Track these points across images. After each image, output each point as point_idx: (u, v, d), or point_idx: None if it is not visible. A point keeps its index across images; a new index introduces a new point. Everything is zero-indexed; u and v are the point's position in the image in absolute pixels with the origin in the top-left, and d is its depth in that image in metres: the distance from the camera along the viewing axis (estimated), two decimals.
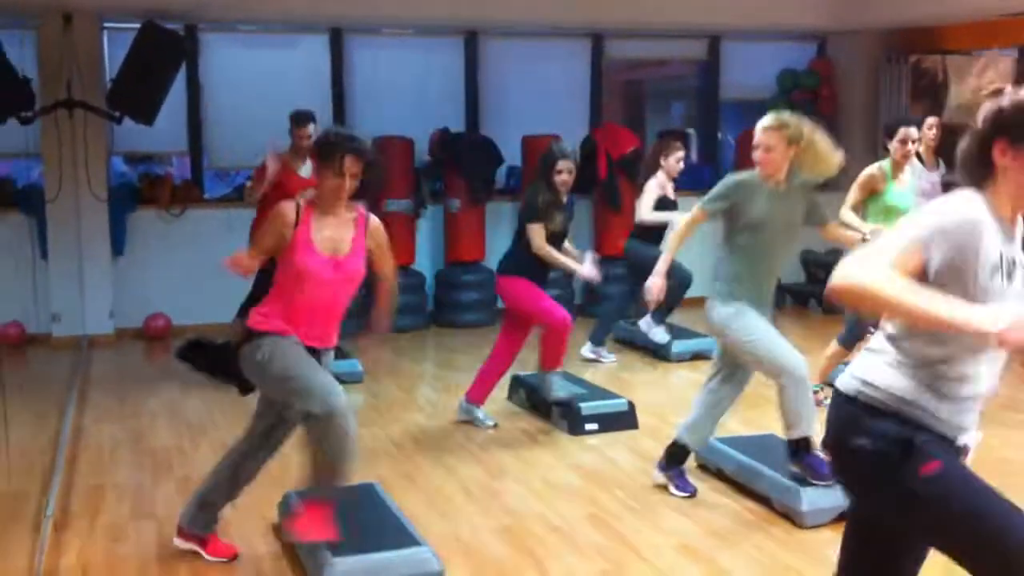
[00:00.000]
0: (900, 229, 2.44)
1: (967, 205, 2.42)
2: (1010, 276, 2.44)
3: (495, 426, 6.09)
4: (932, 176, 7.31)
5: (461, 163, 8.93)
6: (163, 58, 7.86)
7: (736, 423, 6.13)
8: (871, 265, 2.32)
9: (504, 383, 6.76)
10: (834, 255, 9.83)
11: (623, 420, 6.00)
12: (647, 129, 10.77)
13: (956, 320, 2.23)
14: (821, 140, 4.60)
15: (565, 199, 5.94)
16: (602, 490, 5.04)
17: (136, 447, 5.80)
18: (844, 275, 2.33)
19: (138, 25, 7.86)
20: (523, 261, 5.91)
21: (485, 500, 4.93)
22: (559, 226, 5.90)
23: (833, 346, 6.36)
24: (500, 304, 9.18)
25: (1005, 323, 2.18)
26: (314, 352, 4.07)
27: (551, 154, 5.88)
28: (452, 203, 9.08)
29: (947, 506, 2.44)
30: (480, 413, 6.15)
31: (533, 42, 9.84)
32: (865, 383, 2.54)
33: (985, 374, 2.52)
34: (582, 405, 5.98)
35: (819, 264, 9.89)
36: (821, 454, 4.55)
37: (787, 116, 4.64)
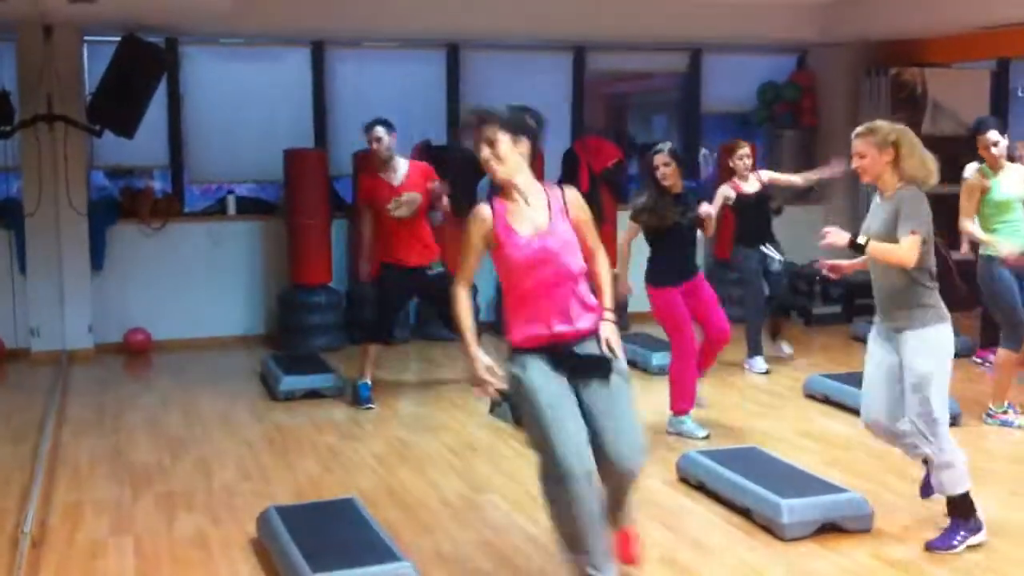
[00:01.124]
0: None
1: None
2: None
3: (707, 437, 6.03)
4: None
5: (444, 175, 8.91)
6: (144, 71, 7.84)
7: (718, 436, 6.14)
8: None
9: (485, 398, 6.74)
10: (815, 268, 9.88)
11: None
12: (628, 141, 10.79)
13: None
14: (918, 146, 4.41)
15: (678, 193, 6.06)
16: None
17: (115, 462, 5.75)
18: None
19: (118, 38, 7.84)
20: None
21: (467, 514, 4.91)
22: (669, 223, 5.99)
23: (1002, 355, 6.21)
24: (482, 317, 9.23)
25: None
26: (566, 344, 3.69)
27: (649, 153, 6.12)
28: (434, 215, 9.06)
29: None
30: (688, 424, 6.16)
31: (515, 55, 9.85)
32: None
33: None
34: None
35: (800, 276, 9.91)
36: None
37: (879, 123, 4.45)
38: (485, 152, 3.71)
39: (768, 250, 7.72)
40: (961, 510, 4.42)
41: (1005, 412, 6.22)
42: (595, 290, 3.88)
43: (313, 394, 7.00)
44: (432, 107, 9.57)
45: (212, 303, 8.92)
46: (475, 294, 9.16)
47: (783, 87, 10.41)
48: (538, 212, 3.74)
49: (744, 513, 4.75)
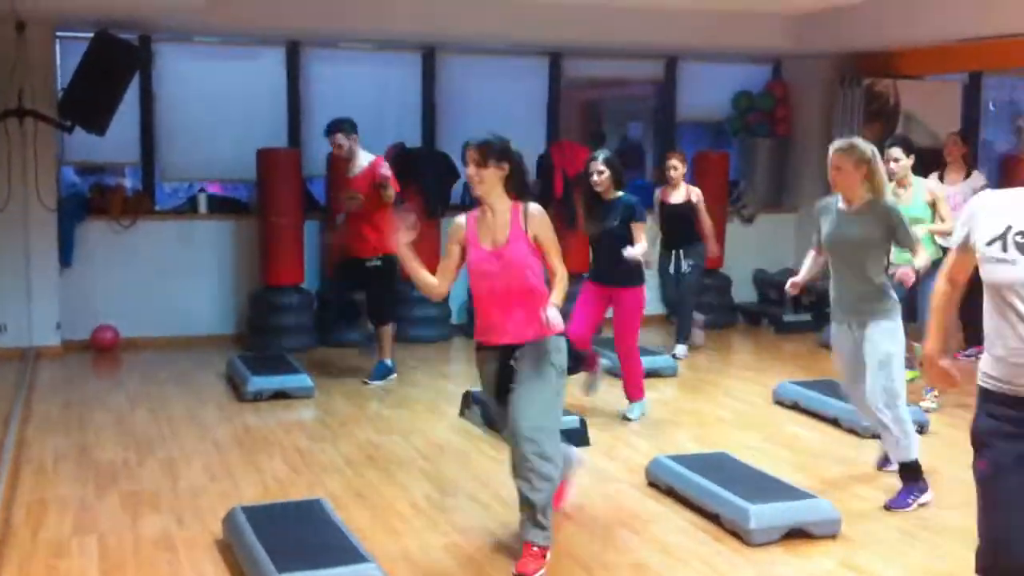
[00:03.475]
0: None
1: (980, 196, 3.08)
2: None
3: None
4: (957, 188, 7.81)
5: (417, 178, 8.90)
6: (116, 68, 7.79)
7: (687, 440, 6.16)
8: (938, 284, 3.22)
9: (457, 398, 6.74)
10: (785, 275, 9.93)
11: (575, 438, 5.96)
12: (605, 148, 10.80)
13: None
14: (881, 167, 4.97)
15: (608, 201, 6.31)
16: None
17: (81, 460, 5.69)
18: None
19: (91, 35, 7.77)
20: None
21: (435, 516, 4.89)
22: (592, 232, 6.41)
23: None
24: (454, 319, 9.22)
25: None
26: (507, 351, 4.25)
27: (587, 161, 6.45)
28: (408, 218, 9.04)
29: (977, 497, 2.99)
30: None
31: (491, 59, 9.85)
32: (979, 369, 3.05)
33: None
34: None
35: (771, 284, 9.97)
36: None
37: (857, 141, 4.97)
38: (471, 170, 4.27)
39: (680, 258, 8.22)
40: (913, 474, 5.02)
41: (924, 397, 6.69)
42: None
43: (281, 395, 6.96)
44: (407, 109, 9.55)
45: (182, 302, 8.85)
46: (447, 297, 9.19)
47: (757, 96, 10.46)
48: (501, 229, 4.28)
49: (713, 518, 4.76)
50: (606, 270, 6.35)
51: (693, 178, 9.95)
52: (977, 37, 8.39)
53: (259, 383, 6.96)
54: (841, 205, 4.97)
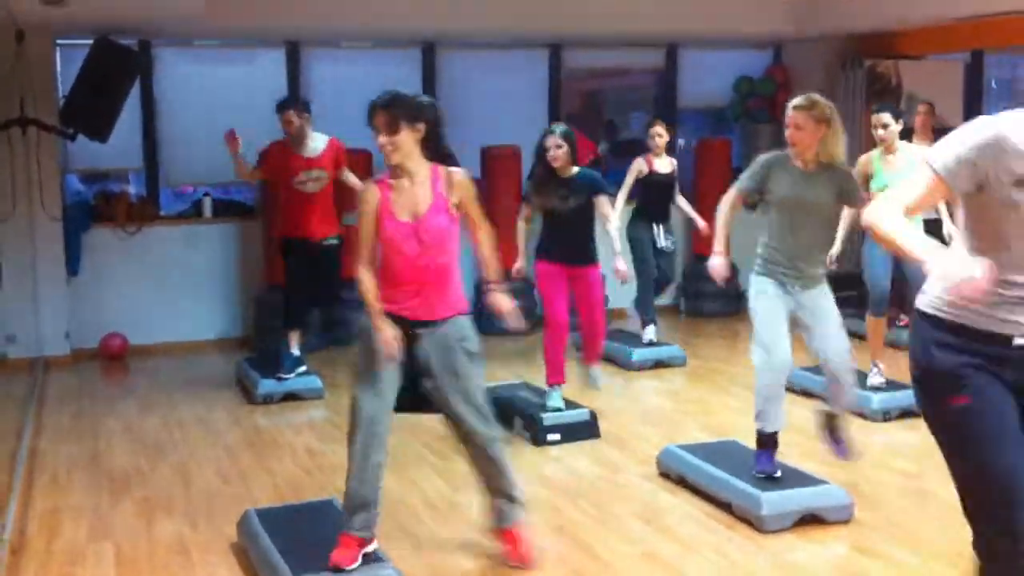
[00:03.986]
0: (922, 164, 2.68)
1: (979, 129, 2.62)
2: None
3: (558, 409, 6.14)
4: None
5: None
6: (117, 74, 7.79)
7: (697, 429, 6.16)
8: (882, 207, 2.70)
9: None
10: None
11: (585, 430, 5.99)
12: (606, 138, 10.79)
13: (913, 254, 2.57)
14: (841, 127, 4.79)
15: (566, 177, 6.07)
16: (565, 500, 5.02)
17: (93, 468, 5.71)
18: (868, 216, 2.73)
19: (91, 41, 7.78)
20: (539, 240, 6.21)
21: (448, 513, 4.91)
22: (548, 207, 6.09)
23: (870, 321, 6.65)
24: None
25: (935, 260, 2.52)
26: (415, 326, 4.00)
27: (542, 135, 6.13)
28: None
29: (954, 443, 2.75)
30: (552, 398, 6.20)
31: (491, 53, 9.84)
32: (927, 291, 2.80)
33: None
34: (544, 415, 5.97)
35: None
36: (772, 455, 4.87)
37: (817, 97, 4.78)
38: (382, 138, 3.87)
39: (658, 232, 7.88)
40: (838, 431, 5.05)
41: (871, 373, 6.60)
42: (480, 261, 4.26)
43: (292, 397, 6.97)
44: None
45: (189, 306, 8.87)
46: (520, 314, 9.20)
47: (758, 82, 10.43)
48: (421, 198, 3.95)
49: (725, 507, 4.76)
50: (566, 248, 6.10)
51: (695, 165, 9.95)
52: (978, 15, 8.36)
53: (269, 386, 6.97)
54: (797, 163, 4.79)
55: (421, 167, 3.96)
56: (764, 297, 4.81)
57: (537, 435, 5.91)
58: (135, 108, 8.64)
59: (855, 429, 6.05)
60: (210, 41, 9.16)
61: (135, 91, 8.25)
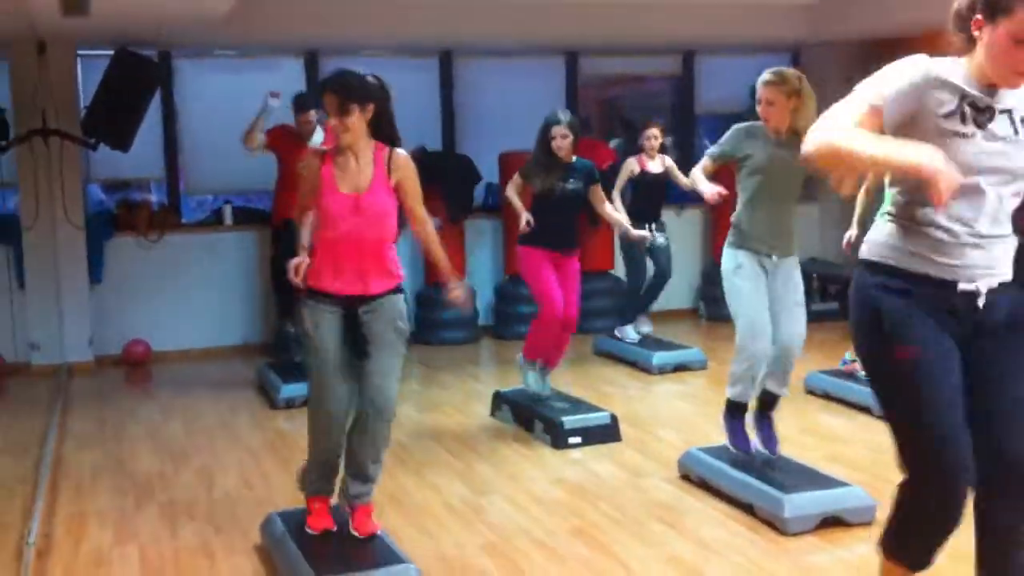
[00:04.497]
0: (854, 95, 2.77)
1: (911, 64, 2.76)
2: (977, 122, 2.68)
3: (540, 398, 6.28)
4: None
5: (439, 182, 8.94)
6: (137, 84, 7.86)
7: (718, 432, 6.14)
8: (832, 126, 2.69)
9: (487, 398, 6.77)
10: (809, 264, 9.89)
11: (606, 433, 6.00)
12: (624, 122, 10.81)
13: (898, 158, 2.55)
14: (812, 96, 4.87)
15: (568, 163, 6.19)
16: (587, 503, 5.03)
17: (117, 473, 5.76)
18: (812, 140, 2.69)
19: (112, 52, 7.85)
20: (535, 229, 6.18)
21: (469, 517, 4.92)
22: (547, 186, 6.16)
23: None
24: (481, 321, 9.25)
25: (931, 162, 2.49)
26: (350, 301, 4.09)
27: (545, 121, 6.25)
28: (432, 222, 9.08)
29: (894, 394, 2.79)
30: (530, 375, 6.37)
31: (508, 60, 9.88)
32: (869, 240, 2.84)
33: (976, 217, 2.69)
34: (565, 419, 5.98)
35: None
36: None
37: (785, 69, 4.94)
38: (334, 121, 3.96)
39: (652, 231, 7.91)
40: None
41: (855, 361, 6.62)
42: (428, 258, 4.42)
43: None
44: (426, 114, 9.58)
45: (211, 313, 8.93)
46: (474, 296, 9.21)
47: None
48: (363, 175, 4.03)
49: (747, 509, 4.76)
50: (556, 233, 6.16)
51: (716, 171, 9.93)
52: None
53: (291, 390, 7.01)
54: (771, 134, 4.92)
55: (367, 147, 4.05)
56: (743, 272, 4.93)
57: (558, 438, 5.92)
58: (156, 118, 8.72)
59: (878, 432, 6.05)
60: (229, 51, 9.23)
61: (155, 101, 8.32)
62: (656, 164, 8.08)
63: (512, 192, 6.38)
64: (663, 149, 8.27)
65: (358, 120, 3.97)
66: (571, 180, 6.19)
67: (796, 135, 4.78)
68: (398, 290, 4.19)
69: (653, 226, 8.00)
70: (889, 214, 2.80)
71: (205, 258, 8.96)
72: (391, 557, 4.08)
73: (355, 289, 4.09)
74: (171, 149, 9.07)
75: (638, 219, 7.80)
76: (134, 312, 8.71)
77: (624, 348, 8.08)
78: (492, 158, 9.29)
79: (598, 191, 6.31)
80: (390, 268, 4.16)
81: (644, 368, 7.77)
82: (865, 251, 2.83)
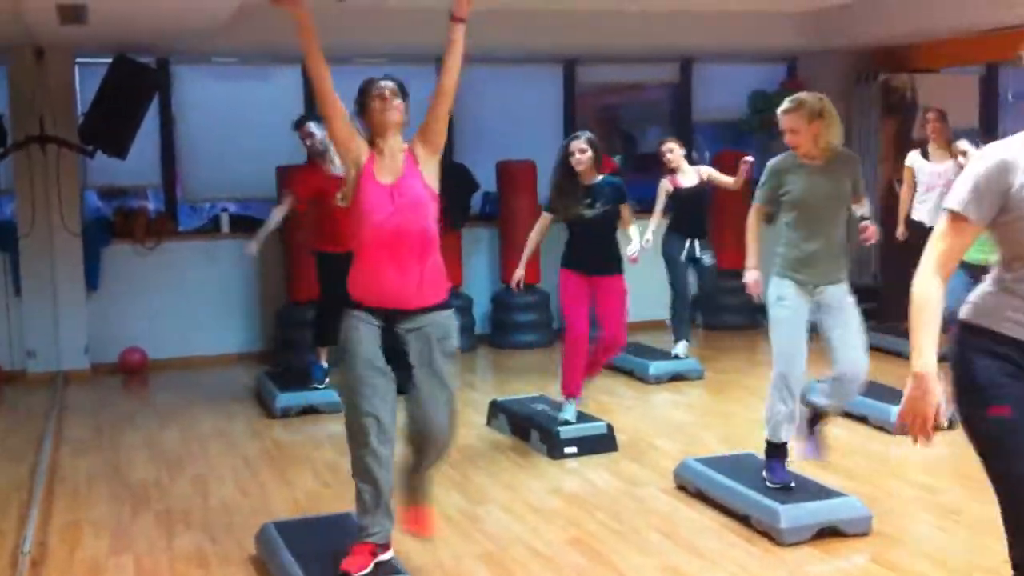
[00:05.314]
0: (942, 216, 2.75)
1: (990, 152, 2.73)
2: None
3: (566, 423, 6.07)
4: (937, 167, 7.78)
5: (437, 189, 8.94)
6: (135, 91, 7.87)
7: (715, 442, 6.15)
8: (920, 279, 2.74)
9: (483, 407, 6.76)
10: None
11: (602, 443, 5.99)
12: (623, 151, 10.81)
13: (913, 357, 2.71)
14: (835, 113, 4.77)
15: (590, 184, 6.07)
16: (584, 513, 5.02)
17: (113, 481, 5.74)
18: (913, 286, 2.74)
19: (110, 59, 7.85)
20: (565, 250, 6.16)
21: (466, 526, 4.91)
22: (572, 215, 6.07)
23: None
24: (477, 329, 9.23)
25: (910, 401, 2.69)
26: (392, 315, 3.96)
27: (564, 141, 6.17)
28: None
29: (991, 453, 2.75)
30: (567, 410, 6.16)
31: (506, 68, 9.88)
32: (971, 303, 2.84)
33: None
34: (561, 429, 5.97)
35: None
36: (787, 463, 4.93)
37: (803, 95, 4.80)
38: (397, 101, 4.08)
39: (693, 246, 7.86)
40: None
41: None
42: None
43: (310, 410, 7.00)
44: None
45: (208, 321, 8.92)
46: (471, 305, 9.19)
47: (774, 95, 10.41)
48: (396, 163, 4.00)
49: (743, 519, 4.76)
50: (590, 257, 6.07)
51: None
52: (993, 28, 8.36)
53: (288, 399, 7.00)
54: (804, 161, 4.80)
55: (400, 140, 4.07)
56: (784, 305, 4.80)
57: (554, 448, 5.91)
58: (153, 125, 8.71)
59: (875, 442, 6.06)
60: (227, 58, 9.23)
61: (153, 108, 8.32)
62: (689, 178, 7.84)
63: (533, 235, 6.25)
64: (691, 159, 8.09)
65: (405, 110, 4.05)
66: (597, 204, 6.02)
67: (829, 156, 4.75)
68: (445, 305, 4.01)
69: (696, 243, 7.88)
70: (993, 284, 2.83)
71: (202, 266, 8.95)
72: (389, 568, 4.07)
73: (395, 300, 3.91)
74: (168, 156, 9.06)
75: (679, 235, 7.89)
76: (131, 320, 8.70)
77: (621, 358, 8.06)
78: (490, 166, 9.30)
79: (625, 210, 6.12)
80: (435, 275, 3.97)
81: (641, 378, 7.77)
82: (967, 312, 2.84)
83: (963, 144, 6.41)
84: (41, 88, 8.03)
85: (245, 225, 9.30)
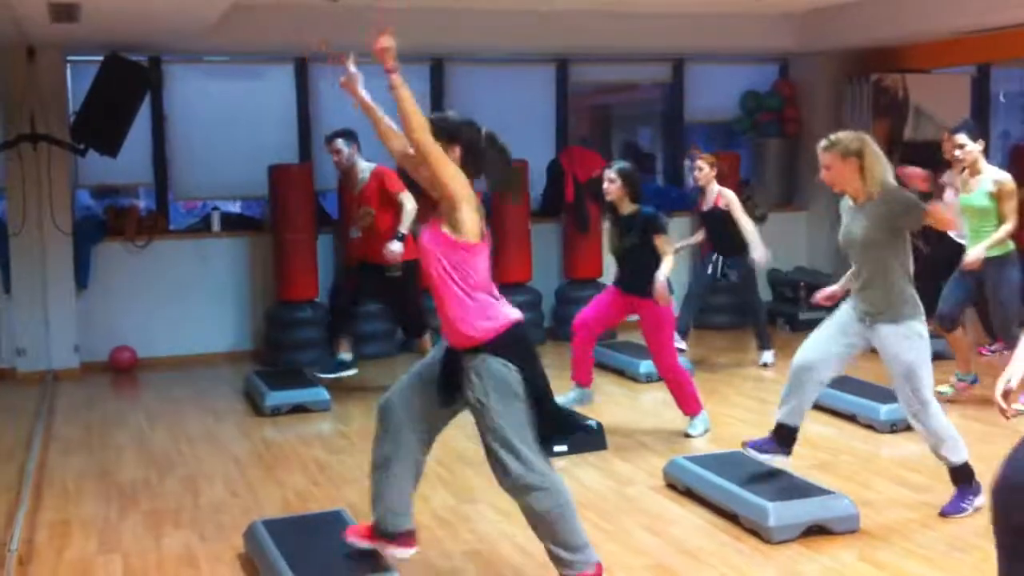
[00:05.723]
0: None
1: None
2: None
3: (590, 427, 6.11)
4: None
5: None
6: (127, 90, 7.86)
7: (702, 440, 6.16)
8: None
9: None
10: (798, 273, 9.92)
11: (592, 441, 6.00)
12: (614, 152, 10.84)
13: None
14: (880, 152, 4.69)
15: (623, 214, 6.21)
16: None
17: (102, 481, 5.73)
18: None
19: (101, 58, 7.84)
20: None
21: (455, 524, 4.91)
22: (613, 246, 6.34)
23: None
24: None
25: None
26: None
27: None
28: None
29: None
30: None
31: (499, 68, 9.89)
32: None
33: None
34: None
35: (785, 282, 9.96)
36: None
37: (841, 134, 4.73)
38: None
39: (717, 262, 7.93)
40: (963, 477, 4.78)
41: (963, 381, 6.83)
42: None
43: (300, 409, 7.00)
44: None
45: (198, 320, 8.91)
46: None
47: (765, 96, 10.45)
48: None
49: (732, 518, 4.76)
50: (631, 281, 6.17)
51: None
52: (985, 29, 8.38)
53: (277, 398, 7.00)
54: (851, 203, 4.79)
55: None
56: (836, 313, 4.93)
57: (543, 446, 5.88)
58: (145, 123, 8.71)
59: (863, 441, 6.07)
60: (219, 57, 9.22)
61: (145, 107, 8.31)
62: (707, 200, 7.80)
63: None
64: (720, 180, 7.88)
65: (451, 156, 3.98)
66: (630, 234, 6.12)
67: (871, 196, 4.65)
68: (481, 350, 3.81)
69: (721, 261, 7.91)
70: None
71: (193, 264, 8.94)
72: (377, 566, 4.07)
73: (448, 338, 3.97)
74: (160, 155, 9.05)
75: (711, 253, 8.01)
76: (121, 318, 8.68)
77: (611, 356, 8.08)
78: None
79: (659, 241, 6.03)
80: (457, 325, 3.83)
81: (631, 376, 7.78)
82: None
83: (960, 138, 6.37)
84: (32, 86, 8.02)
85: (237, 224, 9.32)
